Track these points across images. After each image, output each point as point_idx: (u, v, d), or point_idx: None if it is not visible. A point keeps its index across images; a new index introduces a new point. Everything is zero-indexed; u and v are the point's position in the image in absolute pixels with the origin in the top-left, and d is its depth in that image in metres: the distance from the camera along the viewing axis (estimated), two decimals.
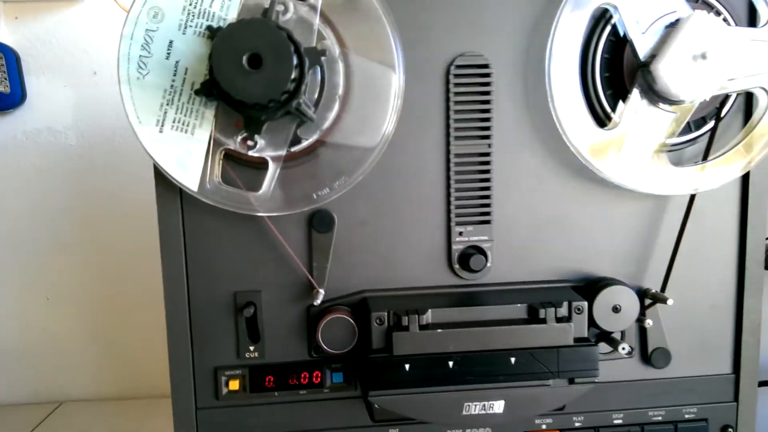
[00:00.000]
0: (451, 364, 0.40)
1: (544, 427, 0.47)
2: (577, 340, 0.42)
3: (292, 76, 0.35)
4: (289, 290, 0.44)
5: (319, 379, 0.45)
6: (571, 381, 0.42)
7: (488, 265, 0.45)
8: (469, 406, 0.41)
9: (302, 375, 0.45)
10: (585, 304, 0.42)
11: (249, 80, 0.34)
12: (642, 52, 0.41)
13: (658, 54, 0.40)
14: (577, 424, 0.47)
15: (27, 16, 0.82)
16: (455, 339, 0.41)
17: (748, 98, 0.45)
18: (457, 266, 0.45)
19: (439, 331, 0.41)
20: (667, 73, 0.40)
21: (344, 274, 0.45)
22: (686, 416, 0.48)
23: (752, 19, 0.44)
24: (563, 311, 0.42)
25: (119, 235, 0.86)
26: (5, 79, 0.80)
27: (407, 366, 0.40)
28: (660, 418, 0.48)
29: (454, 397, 0.41)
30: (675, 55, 0.40)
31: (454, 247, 0.45)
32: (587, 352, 0.41)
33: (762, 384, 0.80)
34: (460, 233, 0.45)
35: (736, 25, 0.43)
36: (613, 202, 0.46)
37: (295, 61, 0.35)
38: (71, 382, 0.91)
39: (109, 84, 0.83)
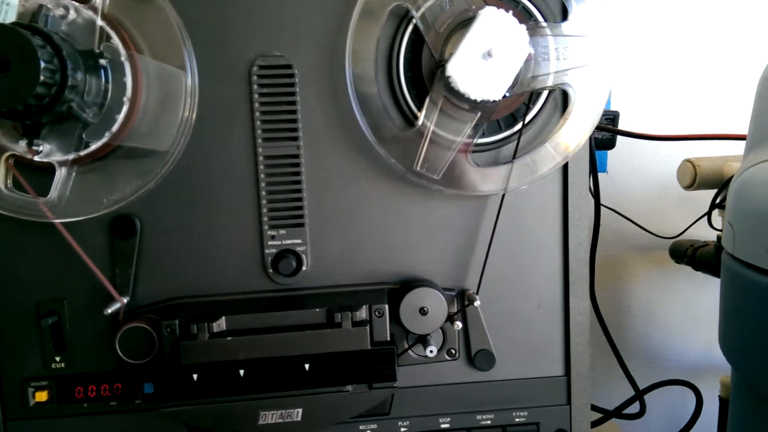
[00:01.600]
0: (242, 372, 0.40)
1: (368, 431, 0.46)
2: (378, 343, 0.41)
3: (42, 79, 0.34)
4: (94, 298, 0.43)
5: (130, 391, 0.44)
6: (370, 386, 0.41)
7: (304, 269, 0.44)
8: (265, 415, 0.40)
9: (114, 386, 0.44)
10: (385, 306, 0.41)
11: None
12: (436, 53, 0.40)
13: (452, 53, 0.39)
14: (402, 430, 0.46)
15: None
16: (247, 346, 0.40)
17: (565, 94, 0.44)
18: (270, 271, 0.44)
19: (228, 339, 0.40)
20: (456, 72, 0.39)
21: (155, 280, 0.44)
22: (516, 420, 0.47)
23: (565, 15, 0.43)
24: (362, 315, 0.41)
25: None
26: None
27: (195, 376, 0.39)
28: (489, 422, 0.47)
29: (248, 406, 0.40)
30: (465, 54, 0.39)
31: (267, 251, 0.44)
32: (384, 355, 0.40)
33: (667, 383, 0.80)
34: (273, 236, 0.44)
35: (546, 22, 0.42)
36: (432, 204, 0.45)
37: (47, 65, 0.34)
38: None
39: None
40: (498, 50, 0.38)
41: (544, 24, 0.42)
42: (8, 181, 0.40)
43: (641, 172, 0.99)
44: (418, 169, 0.42)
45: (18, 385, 0.44)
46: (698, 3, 0.93)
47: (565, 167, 0.45)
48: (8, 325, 0.43)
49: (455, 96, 0.40)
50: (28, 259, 0.43)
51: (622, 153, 0.98)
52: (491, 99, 0.39)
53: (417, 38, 0.42)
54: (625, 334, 1.00)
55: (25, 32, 0.34)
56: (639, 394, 0.80)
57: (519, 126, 0.42)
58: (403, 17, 0.42)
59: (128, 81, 0.40)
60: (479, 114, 0.41)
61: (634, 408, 0.79)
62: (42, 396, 0.44)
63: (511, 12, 0.39)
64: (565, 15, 0.43)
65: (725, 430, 0.71)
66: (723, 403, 0.80)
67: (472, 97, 0.39)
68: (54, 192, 0.40)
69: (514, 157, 0.43)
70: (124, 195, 0.41)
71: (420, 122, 0.42)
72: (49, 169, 0.40)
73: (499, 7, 0.39)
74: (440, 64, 0.40)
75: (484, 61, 0.39)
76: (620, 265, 1.01)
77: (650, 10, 0.92)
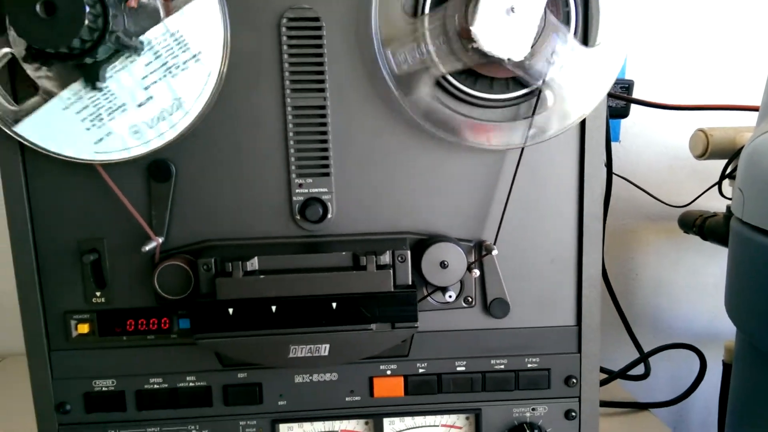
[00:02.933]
0: (273, 308, 0.42)
1: (389, 373, 0.49)
2: (400, 287, 0.43)
3: (87, 23, 0.36)
4: (132, 238, 0.46)
5: (167, 325, 0.47)
6: (393, 326, 0.43)
7: (329, 216, 0.47)
8: (295, 349, 0.43)
9: (151, 320, 0.47)
10: (407, 252, 0.44)
11: (41, 27, 0.35)
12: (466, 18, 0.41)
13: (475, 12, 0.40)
14: (420, 371, 0.49)
15: None
16: (278, 285, 0.42)
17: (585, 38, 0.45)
18: (298, 217, 0.47)
19: (261, 277, 0.42)
20: (482, 30, 0.40)
21: (188, 223, 0.46)
22: (528, 366, 0.50)
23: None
24: (386, 259, 0.43)
25: None
26: None
27: (230, 310, 0.42)
28: (502, 366, 0.49)
29: (280, 340, 0.43)
30: (489, 9, 0.40)
31: (295, 198, 0.46)
32: (405, 297, 0.43)
33: (672, 347, 0.83)
34: (300, 185, 0.46)
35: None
36: (452, 157, 0.47)
37: (91, 9, 0.36)
38: (14, 338, 0.94)
39: None
40: (519, 6, 0.39)
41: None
42: None
43: (653, 143, 1.00)
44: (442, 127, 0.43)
45: (61, 317, 0.47)
46: None
47: (583, 125, 0.46)
48: (51, 261, 0.46)
49: (479, 54, 0.41)
50: (70, 198, 0.45)
51: (635, 122, 0.98)
52: (516, 58, 0.41)
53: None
54: (632, 302, 1.02)
55: None
56: (644, 357, 0.83)
57: (539, 82, 0.44)
58: None
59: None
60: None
61: (639, 370, 0.82)
62: (84, 328, 0.47)
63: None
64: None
65: (728, 393, 0.74)
66: (726, 367, 0.83)
67: (495, 54, 0.40)
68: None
69: (533, 113, 0.44)
70: (152, 145, 0.43)
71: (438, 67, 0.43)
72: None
73: None
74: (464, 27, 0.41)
75: (507, 18, 0.40)
76: (630, 234, 1.02)
77: None
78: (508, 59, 0.41)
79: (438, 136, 0.45)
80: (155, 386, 0.48)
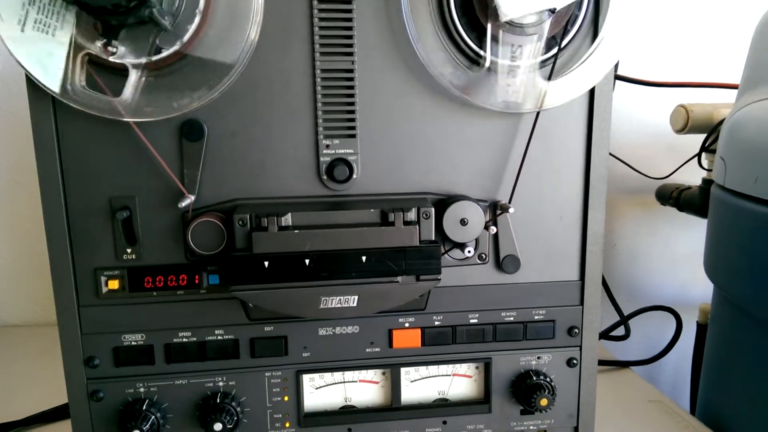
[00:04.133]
0: (307, 261, 0.44)
1: (407, 325, 0.52)
2: (424, 242, 0.46)
3: None
4: (163, 196, 0.47)
5: (197, 281, 0.49)
6: (418, 279, 0.46)
7: (354, 177, 0.49)
8: (326, 300, 0.45)
9: (180, 277, 0.49)
10: (432, 209, 0.46)
11: None
12: None
13: None
14: (436, 323, 0.52)
15: None
16: (311, 239, 0.45)
17: (595, 27, 0.48)
18: (325, 177, 0.49)
19: (296, 231, 0.44)
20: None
21: (218, 183, 0.48)
22: (535, 317, 0.53)
23: None
24: (411, 216, 0.46)
25: None
26: None
27: (266, 263, 0.44)
28: (512, 318, 0.53)
29: (311, 292, 0.45)
30: None
31: (322, 159, 0.48)
32: (430, 251, 0.46)
33: (651, 309, 0.88)
34: (327, 146, 0.48)
35: None
36: (471, 121, 0.49)
37: None
38: (2, 309, 0.94)
39: None
40: None
41: None
42: (82, 79, 0.43)
43: (632, 118, 1.05)
44: (511, 99, 0.46)
45: (91, 274, 0.48)
46: None
47: (592, 93, 0.50)
48: (82, 218, 0.47)
49: (508, 23, 0.44)
50: (101, 156, 0.46)
51: (615, 98, 1.03)
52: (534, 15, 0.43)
53: None
54: (610, 271, 1.08)
55: None
56: (624, 319, 0.88)
57: (555, 50, 0.47)
58: None
59: (199, 9, 0.42)
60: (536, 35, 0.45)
61: (619, 332, 0.88)
62: (114, 284, 0.48)
63: None
64: None
65: (702, 352, 0.80)
66: (700, 328, 0.89)
67: (514, 15, 0.43)
68: (127, 93, 0.43)
69: (549, 79, 0.47)
70: (191, 101, 0.44)
71: (487, 61, 0.46)
72: (120, 72, 0.43)
73: None
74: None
75: None
76: (608, 206, 1.07)
77: None
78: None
79: (462, 99, 0.47)
80: (184, 340, 0.49)
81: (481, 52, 0.46)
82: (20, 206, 0.90)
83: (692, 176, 0.91)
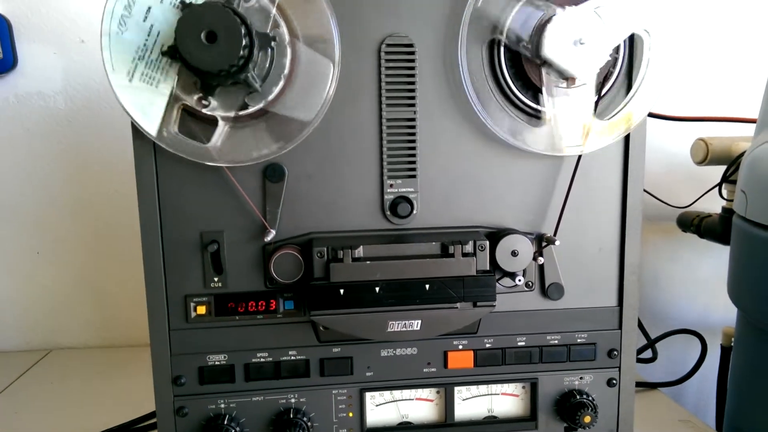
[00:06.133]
0: (377, 289, 0.50)
1: (460, 348, 0.57)
2: (480, 272, 0.52)
3: (240, 54, 0.43)
4: (247, 231, 0.53)
5: (274, 306, 0.54)
6: (475, 305, 0.51)
7: (414, 212, 0.54)
8: (392, 324, 0.51)
9: (259, 303, 0.54)
10: (487, 242, 0.52)
11: (205, 52, 0.43)
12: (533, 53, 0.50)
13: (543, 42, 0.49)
14: (487, 345, 0.57)
15: None
16: (381, 269, 0.50)
17: (629, 74, 0.54)
18: (388, 213, 0.54)
19: (368, 262, 0.50)
20: (555, 55, 0.49)
21: (295, 218, 0.53)
22: (578, 340, 0.58)
23: None
24: (469, 248, 0.51)
25: (104, 191, 0.94)
26: None
27: (342, 291, 0.49)
28: (556, 341, 0.58)
29: (380, 316, 0.50)
30: (557, 39, 0.48)
31: (386, 197, 0.54)
32: (486, 280, 0.51)
33: (677, 332, 0.92)
34: (391, 185, 0.54)
35: None
36: (518, 162, 0.55)
37: (245, 41, 0.43)
38: (60, 331, 0.99)
39: (96, 52, 0.90)
40: (586, 38, 0.48)
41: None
42: (176, 126, 0.49)
43: (655, 149, 1.10)
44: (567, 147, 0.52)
45: (181, 300, 0.53)
46: None
47: (627, 137, 0.55)
48: (174, 250, 0.53)
49: (561, 78, 0.50)
50: (195, 196, 0.52)
51: None
52: (589, 74, 0.49)
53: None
54: None
55: (232, 14, 0.43)
56: (651, 342, 0.92)
57: (595, 99, 0.53)
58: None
59: (287, 62, 0.48)
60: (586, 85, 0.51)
61: (646, 355, 0.92)
62: (201, 310, 0.53)
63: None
64: None
65: (726, 374, 0.84)
66: (724, 351, 0.93)
67: (574, 75, 0.49)
68: (216, 140, 0.49)
69: (590, 125, 0.53)
70: (270, 151, 0.50)
71: (547, 115, 0.52)
72: (209, 121, 0.49)
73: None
74: (541, 62, 0.50)
75: (575, 47, 0.49)
76: None
77: None
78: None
79: (509, 143, 0.53)
80: (261, 360, 0.55)
81: (540, 108, 0.52)
82: (78, 236, 0.96)
83: (712, 204, 0.96)
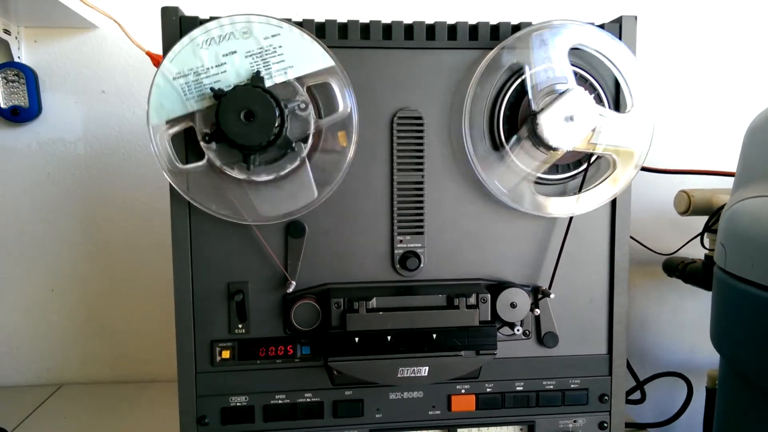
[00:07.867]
0: (389, 338, 0.55)
1: (463, 391, 0.62)
2: (482, 322, 0.57)
3: (275, 131, 0.49)
4: (270, 282, 0.58)
5: (292, 351, 0.59)
6: (477, 353, 0.56)
7: (421, 266, 0.60)
8: (402, 370, 0.55)
9: (279, 348, 0.59)
10: (488, 295, 0.57)
11: (245, 129, 0.48)
12: (534, 105, 0.56)
13: (544, 109, 0.55)
14: (488, 389, 0.62)
15: (45, 39, 0.95)
16: (393, 320, 0.55)
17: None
18: (398, 266, 0.60)
19: (381, 313, 0.55)
20: (546, 123, 0.55)
21: (313, 270, 0.59)
22: (571, 386, 0.63)
23: (617, 102, 0.60)
24: (472, 300, 0.56)
25: (118, 234, 0.99)
26: (24, 94, 0.93)
27: (357, 339, 0.54)
28: (551, 386, 0.63)
29: (391, 363, 0.55)
30: (554, 113, 0.55)
31: (396, 251, 0.59)
32: (488, 331, 0.56)
33: (665, 375, 0.97)
34: (401, 241, 0.59)
35: (609, 102, 0.59)
36: (515, 221, 0.61)
37: (278, 119, 0.49)
38: (71, 367, 1.02)
39: (115, 102, 0.97)
40: (577, 117, 0.54)
41: (607, 111, 0.58)
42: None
43: (638, 199, 1.16)
44: (496, 183, 0.58)
45: (208, 345, 0.58)
46: (693, 45, 1.11)
47: (614, 200, 0.61)
48: (203, 299, 0.57)
49: (536, 139, 0.56)
50: (223, 250, 0.57)
51: None
52: (565, 149, 0.55)
53: (520, 90, 0.58)
54: None
55: (269, 96, 0.49)
56: (640, 384, 0.97)
57: (584, 167, 0.59)
58: (515, 72, 0.58)
59: (311, 136, 0.54)
60: (547, 157, 0.57)
61: (635, 396, 0.96)
62: (226, 354, 0.58)
63: (592, 95, 0.55)
64: (617, 106, 0.60)
65: (712, 415, 0.88)
66: (709, 393, 0.98)
67: (552, 145, 0.55)
68: (248, 202, 0.55)
69: (579, 191, 0.59)
70: (296, 209, 0.56)
71: (506, 149, 0.57)
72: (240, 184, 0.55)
73: (585, 89, 0.55)
74: (533, 114, 0.56)
75: (565, 123, 0.55)
76: None
77: (649, 50, 1.09)
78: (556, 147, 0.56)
79: (510, 206, 0.59)
80: (279, 401, 0.59)
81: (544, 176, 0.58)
82: (91, 275, 1.00)
83: (695, 250, 1.02)
